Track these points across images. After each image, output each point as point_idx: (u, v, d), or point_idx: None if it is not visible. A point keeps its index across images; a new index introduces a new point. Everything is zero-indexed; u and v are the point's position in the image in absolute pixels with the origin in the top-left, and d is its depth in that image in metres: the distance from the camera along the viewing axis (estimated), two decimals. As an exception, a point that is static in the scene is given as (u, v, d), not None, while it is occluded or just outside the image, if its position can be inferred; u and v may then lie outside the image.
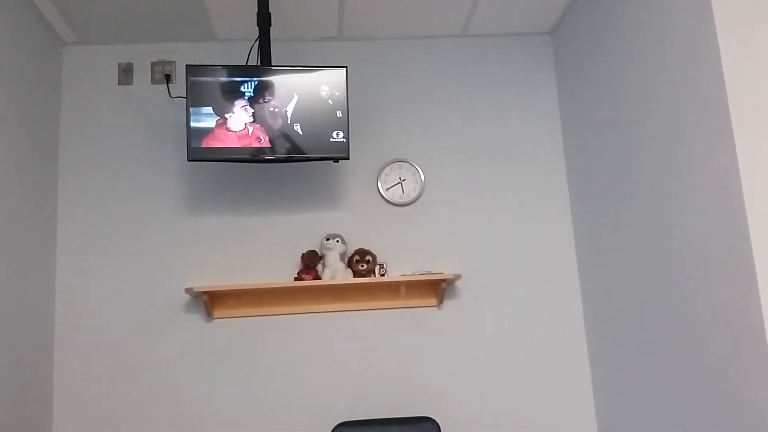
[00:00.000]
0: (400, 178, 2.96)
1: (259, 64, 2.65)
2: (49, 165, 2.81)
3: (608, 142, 2.60)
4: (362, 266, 2.77)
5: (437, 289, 2.84)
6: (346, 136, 2.58)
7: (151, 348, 2.77)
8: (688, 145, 2.02)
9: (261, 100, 2.54)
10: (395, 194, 2.95)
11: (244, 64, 2.86)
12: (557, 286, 2.94)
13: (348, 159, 2.61)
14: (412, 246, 2.92)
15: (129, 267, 2.82)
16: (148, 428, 2.72)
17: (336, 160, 2.60)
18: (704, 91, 1.92)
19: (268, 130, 2.53)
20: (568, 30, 2.93)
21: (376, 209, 2.94)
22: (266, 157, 2.53)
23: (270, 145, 2.53)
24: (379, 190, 2.95)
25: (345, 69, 2.60)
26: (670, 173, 2.14)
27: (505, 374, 2.85)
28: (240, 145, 2.51)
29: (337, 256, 2.77)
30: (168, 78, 2.96)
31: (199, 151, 2.50)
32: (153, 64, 2.98)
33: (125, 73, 2.97)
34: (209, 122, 2.51)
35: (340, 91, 2.59)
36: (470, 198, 2.98)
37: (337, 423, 2.74)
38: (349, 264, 2.80)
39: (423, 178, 2.97)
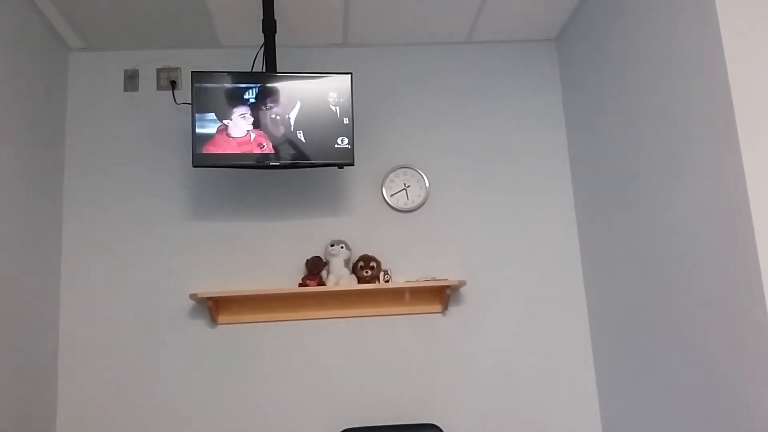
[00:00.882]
0: (404, 185, 2.96)
1: (264, 70, 2.66)
2: (55, 170, 2.82)
3: (613, 148, 2.59)
4: (367, 272, 2.77)
5: (442, 295, 2.84)
6: (351, 142, 2.58)
7: (155, 353, 2.78)
8: (694, 153, 2.02)
9: (263, 107, 2.54)
10: (400, 200, 2.95)
11: (249, 70, 2.87)
12: (562, 292, 2.93)
13: (353, 165, 2.62)
14: (417, 252, 2.92)
15: (134, 272, 2.83)
16: (152, 434, 2.72)
17: (341, 166, 2.60)
18: (709, 97, 1.92)
19: (270, 136, 2.54)
20: (573, 36, 2.93)
21: (380, 215, 2.95)
22: (271, 164, 2.54)
23: (274, 152, 2.54)
24: (383, 196, 2.95)
25: (350, 75, 2.61)
26: (675, 180, 2.13)
27: (509, 381, 2.84)
28: (240, 152, 2.52)
29: (342, 262, 2.77)
30: (173, 84, 2.97)
31: (204, 157, 2.51)
32: (158, 71, 2.99)
33: (131, 80, 2.98)
34: (212, 128, 2.52)
35: (345, 98, 2.60)
36: (475, 204, 2.98)
37: (342, 430, 2.74)
38: (354, 270, 2.79)
39: (428, 185, 2.97)
